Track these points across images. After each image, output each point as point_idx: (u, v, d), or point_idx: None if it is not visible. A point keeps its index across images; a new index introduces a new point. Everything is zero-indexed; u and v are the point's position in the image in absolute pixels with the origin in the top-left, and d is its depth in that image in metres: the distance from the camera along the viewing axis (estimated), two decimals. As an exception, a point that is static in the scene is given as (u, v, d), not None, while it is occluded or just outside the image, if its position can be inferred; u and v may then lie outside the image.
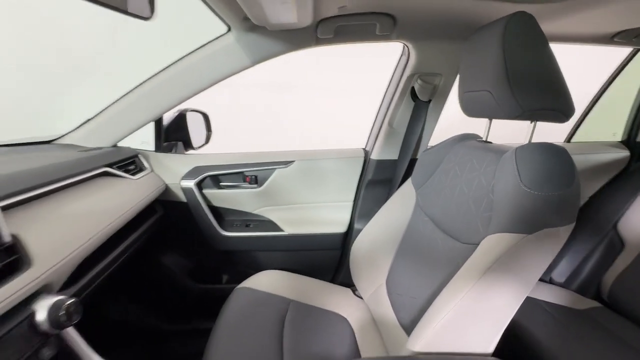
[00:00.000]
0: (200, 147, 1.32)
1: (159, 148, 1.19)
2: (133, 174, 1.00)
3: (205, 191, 1.18)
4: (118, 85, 1.03)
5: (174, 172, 1.15)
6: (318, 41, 0.95)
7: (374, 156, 1.22)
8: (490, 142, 0.86)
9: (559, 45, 0.99)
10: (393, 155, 1.20)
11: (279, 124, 3.45)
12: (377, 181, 1.23)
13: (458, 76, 0.83)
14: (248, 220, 1.25)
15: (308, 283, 1.13)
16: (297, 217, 1.25)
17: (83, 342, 0.59)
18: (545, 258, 0.60)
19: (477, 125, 0.90)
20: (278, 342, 0.87)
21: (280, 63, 1.03)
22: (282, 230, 1.23)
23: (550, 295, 1.17)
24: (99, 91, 1.09)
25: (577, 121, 1.44)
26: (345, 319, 1.01)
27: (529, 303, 1.12)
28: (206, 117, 1.35)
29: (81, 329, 0.60)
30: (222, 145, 1.36)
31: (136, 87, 1.02)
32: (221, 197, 1.20)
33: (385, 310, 0.91)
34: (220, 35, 0.94)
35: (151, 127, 1.16)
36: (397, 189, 1.06)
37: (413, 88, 1.09)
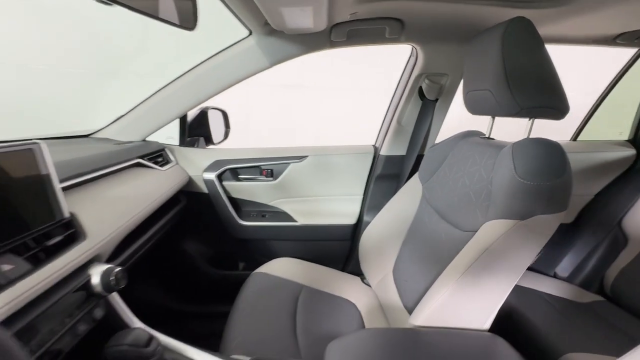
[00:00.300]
0: (219, 142, 1.41)
1: (183, 143, 1.28)
2: (161, 166, 1.09)
3: (225, 183, 1.27)
4: (147, 85, 1.13)
5: (196, 165, 1.25)
6: (332, 44, 1.02)
7: (383, 152, 1.28)
8: (493, 139, 0.91)
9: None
10: (401, 151, 1.27)
11: (292, 122, 3.54)
12: (386, 176, 1.29)
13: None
14: (264, 211, 1.33)
15: (319, 270, 1.20)
16: (310, 209, 1.33)
17: (125, 306, 0.68)
18: (537, 242, 0.65)
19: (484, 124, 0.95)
20: (291, 322, 0.94)
21: (294, 64, 1.10)
22: (295, 221, 1.31)
23: (553, 288, 1.20)
24: (131, 90, 1.19)
25: (584, 120, 1.46)
26: (353, 304, 1.08)
27: (532, 294, 1.16)
28: (225, 115, 1.44)
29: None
30: (238, 141, 1.45)
31: (164, 87, 1.11)
32: (239, 189, 1.29)
33: (392, 295, 0.97)
34: (242, 39, 1.02)
35: (176, 123, 1.25)
36: (404, 183, 1.12)
37: (421, 87, 1.16)
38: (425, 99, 1.17)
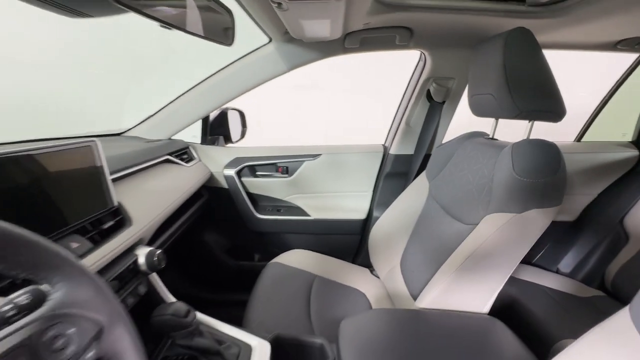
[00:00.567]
0: (237, 141, 1.50)
1: (204, 141, 1.38)
2: (186, 162, 1.19)
3: (243, 179, 1.36)
4: (174, 87, 1.22)
5: (217, 162, 1.34)
6: (345, 50, 1.10)
7: (392, 151, 1.35)
8: (496, 139, 0.97)
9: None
10: (409, 150, 1.34)
11: (305, 121, 3.63)
12: (395, 174, 1.36)
13: None
14: (279, 206, 1.42)
15: (331, 262, 1.28)
16: (322, 204, 1.41)
17: (162, 284, 0.77)
18: (532, 233, 0.72)
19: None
20: (306, 307, 1.02)
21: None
22: (308, 215, 1.39)
23: (555, 283, 1.26)
24: (159, 91, 1.29)
25: (587, 121, 1.50)
26: (363, 293, 1.15)
27: (533, 287, 1.21)
28: (242, 115, 1.53)
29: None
30: (253, 140, 1.54)
31: (190, 89, 1.20)
32: (257, 184, 1.38)
33: (399, 285, 1.04)
34: (262, 46, 1.10)
35: (199, 122, 1.35)
36: (412, 181, 1.19)
37: (429, 90, 1.22)
38: (432, 102, 1.24)
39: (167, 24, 0.44)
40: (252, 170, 1.37)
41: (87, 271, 0.33)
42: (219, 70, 1.17)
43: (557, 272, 1.39)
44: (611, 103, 1.48)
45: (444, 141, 1.30)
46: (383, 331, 0.68)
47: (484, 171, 0.84)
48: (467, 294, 0.75)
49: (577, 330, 0.97)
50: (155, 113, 1.25)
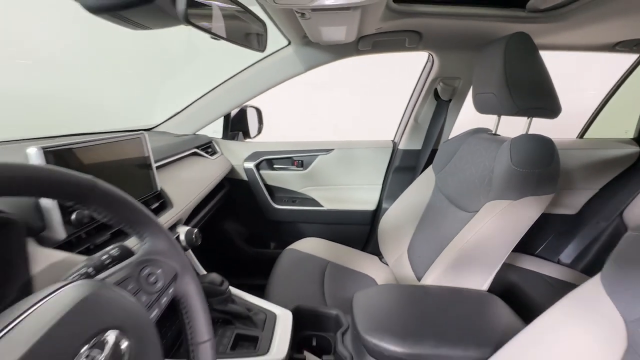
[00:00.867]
0: (255, 136, 1.61)
1: (226, 136, 1.49)
2: (210, 155, 1.29)
3: (261, 171, 1.46)
4: (200, 85, 1.32)
5: (237, 156, 1.44)
6: (359, 52, 1.19)
7: (401, 146, 1.44)
8: (498, 135, 1.05)
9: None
10: (417, 145, 1.42)
11: (317, 118, 3.73)
12: (403, 168, 1.45)
13: None
14: (294, 197, 1.52)
15: (342, 250, 1.37)
16: (335, 196, 1.50)
17: (196, 259, 0.87)
18: (528, 218, 0.80)
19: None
20: (320, 289, 1.12)
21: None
22: (321, 206, 1.48)
23: (555, 272, 1.32)
24: (186, 89, 1.40)
25: (589, 119, 1.56)
26: (372, 278, 1.24)
27: (534, 275, 1.29)
28: (259, 112, 1.63)
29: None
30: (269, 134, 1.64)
31: (214, 88, 1.31)
32: (274, 177, 1.48)
33: (406, 270, 1.13)
34: (281, 48, 1.20)
35: (220, 119, 1.45)
36: (419, 174, 1.28)
37: (436, 89, 1.30)
38: (439, 100, 1.32)
39: (216, 35, 0.54)
40: (270, 164, 1.47)
41: (166, 230, 0.43)
42: (241, 71, 1.27)
43: (558, 262, 1.45)
44: (616, 101, 1.54)
45: (450, 137, 1.38)
46: (391, 301, 0.77)
47: (486, 163, 0.92)
48: (467, 273, 0.84)
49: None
50: (182, 110, 1.36)
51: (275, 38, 1.14)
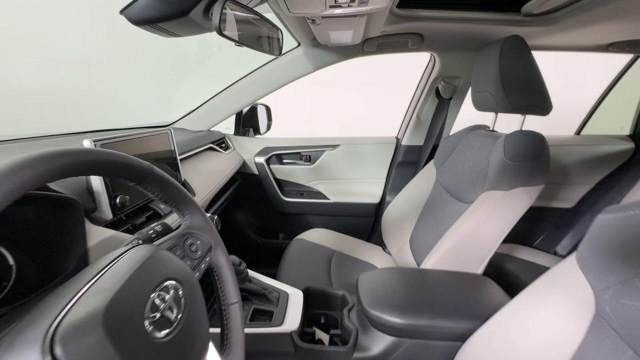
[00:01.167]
0: (264, 133, 1.69)
1: (237, 132, 1.57)
2: (224, 150, 1.38)
3: (271, 166, 1.54)
4: (215, 84, 1.41)
5: (249, 151, 1.53)
6: (364, 53, 1.26)
7: (404, 142, 1.51)
8: (495, 131, 1.11)
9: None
10: (419, 141, 1.49)
11: (321, 114, 3.81)
12: (406, 162, 1.52)
13: None
14: (302, 190, 1.60)
15: (348, 240, 1.45)
16: (341, 189, 1.58)
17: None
18: (519, 207, 0.87)
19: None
20: (327, 275, 1.20)
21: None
22: (328, 199, 1.56)
23: (550, 262, 1.39)
24: (201, 88, 1.49)
25: (586, 116, 1.61)
26: (376, 266, 1.31)
27: (530, 265, 1.35)
28: (268, 110, 1.71)
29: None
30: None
31: (227, 87, 1.39)
32: (283, 171, 1.56)
33: (408, 259, 1.20)
34: (291, 49, 1.27)
35: (233, 116, 1.53)
36: (421, 169, 1.35)
37: (437, 88, 1.37)
38: (441, 98, 1.39)
39: (241, 43, 0.62)
40: (279, 158, 1.56)
41: (202, 210, 0.51)
42: (253, 71, 1.34)
43: (555, 254, 1.52)
44: (613, 99, 1.59)
45: (450, 133, 1.45)
46: (392, 281, 0.85)
47: (482, 158, 0.99)
48: (463, 258, 0.91)
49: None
50: (197, 108, 1.44)
51: (285, 39, 1.22)
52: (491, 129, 1.13)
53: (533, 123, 0.98)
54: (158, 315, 0.33)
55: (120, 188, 0.64)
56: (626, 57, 1.46)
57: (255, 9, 0.72)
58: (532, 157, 0.85)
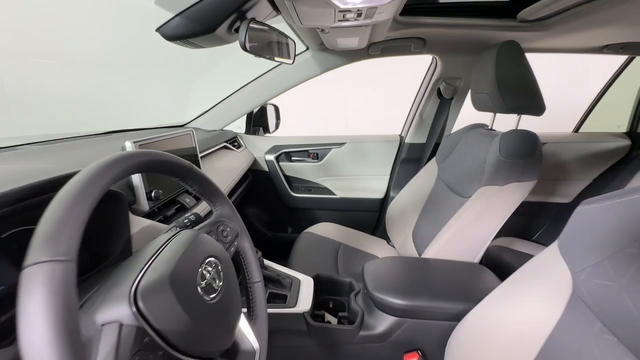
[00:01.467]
0: (273, 131, 1.77)
1: (248, 131, 1.65)
2: (237, 148, 1.46)
3: (281, 163, 1.62)
4: (228, 85, 1.49)
5: (259, 149, 1.61)
6: (369, 56, 1.33)
7: (407, 140, 1.58)
8: (494, 130, 1.18)
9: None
10: (422, 139, 1.56)
11: (327, 112, 3.89)
12: (409, 159, 1.59)
13: None
14: (310, 186, 1.68)
15: (353, 233, 1.52)
16: (346, 185, 1.66)
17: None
18: (513, 201, 0.94)
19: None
20: (334, 265, 1.28)
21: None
22: (334, 195, 1.64)
23: None
24: (215, 88, 1.57)
25: (584, 114, 1.67)
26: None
27: (527, 257, 1.41)
28: (277, 109, 1.79)
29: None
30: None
31: (240, 89, 1.47)
32: (292, 168, 1.64)
33: (411, 251, 1.28)
34: (300, 53, 1.35)
35: (243, 116, 1.62)
36: (424, 166, 1.42)
37: (439, 89, 1.44)
38: (442, 98, 1.46)
39: (262, 55, 0.69)
40: (288, 156, 1.64)
41: (230, 202, 0.59)
42: (263, 73, 1.42)
43: None
44: (612, 98, 1.64)
45: (452, 132, 1.51)
46: (395, 268, 0.93)
47: (480, 155, 1.06)
48: (460, 248, 0.98)
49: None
50: (211, 108, 1.53)
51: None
52: (489, 127, 1.20)
53: (538, 119, 1.03)
54: (205, 283, 0.41)
55: (154, 183, 0.73)
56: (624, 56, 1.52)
57: (270, 19, 0.80)
58: (525, 155, 0.92)
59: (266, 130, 1.73)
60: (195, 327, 0.37)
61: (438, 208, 1.21)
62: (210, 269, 0.43)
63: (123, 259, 0.55)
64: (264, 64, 1.40)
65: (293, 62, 0.89)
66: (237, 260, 0.61)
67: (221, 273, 0.45)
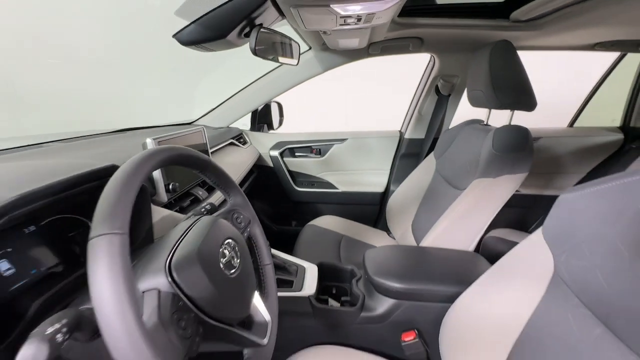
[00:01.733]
0: (277, 128, 1.83)
1: (253, 128, 1.71)
2: (243, 145, 1.53)
3: (285, 159, 1.69)
4: (234, 83, 1.55)
5: (264, 145, 1.67)
6: (369, 55, 1.38)
7: (407, 136, 1.63)
8: (489, 125, 1.23)
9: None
10: (421, 135, 1.61)
11: (329, 108, 3.95)
12: (408, 154, 1.65)
13: None
14: (313, 181, 1.74)
15: (355, 226, 1.59)
16: (348, 180, 1.72)
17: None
18: (505, 192, 0.99)
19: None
20: (337, 255, 1.34)
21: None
22: (337, 189, 1.71)
23: None
24: (221, 87, 1.63)
25: (579, 109, 1.71)
26: (381, 249, 1.46)
27: None
28: (280, 107, 1.85)
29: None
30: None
31: (245, 87, 1.53)
32: (295, 163, 1.70)
33: (410, 241, 1.34)
34: (303, 52, 1.40)
35: (249, 113, 1.68)
36: (423, 160, 1.47)
37: (437, 86, 1.49)
38: (440, 95, 1.51)
39: (271, 59, 0.75)
40: (292, 152, 1.70)
41: (242, 192, 0.66)
42: (268, 72, 1.48)
43: None
44: (606, 93, 1.68)
45: (449, 127, 1.57)
46: (394, 256, 1.00)
47: (475, 149, 1.12)
48: (456, 237, 1.05)
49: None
50: (217, 106, 1.59)
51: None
52: (485, 123, 1.25)
53: (539, 112, 1.06)
54: (225, 260, 0.48)
55: (170, 177, 0.79)
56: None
57: (275, 23, 0.86)
58: (516, 149, 0.97)
59: (270, 127, 1.79)
60: (218, 295, 0.43)
61: (436, 200, 1.26)
62: (229, 248, 0.50)
63: (146, 244, 0.62)
64: (267, 63, 1.47)
65: (298, 64, 0.95)
66: (249, 245, 0.67)
67: (238, 252, 0.52)
